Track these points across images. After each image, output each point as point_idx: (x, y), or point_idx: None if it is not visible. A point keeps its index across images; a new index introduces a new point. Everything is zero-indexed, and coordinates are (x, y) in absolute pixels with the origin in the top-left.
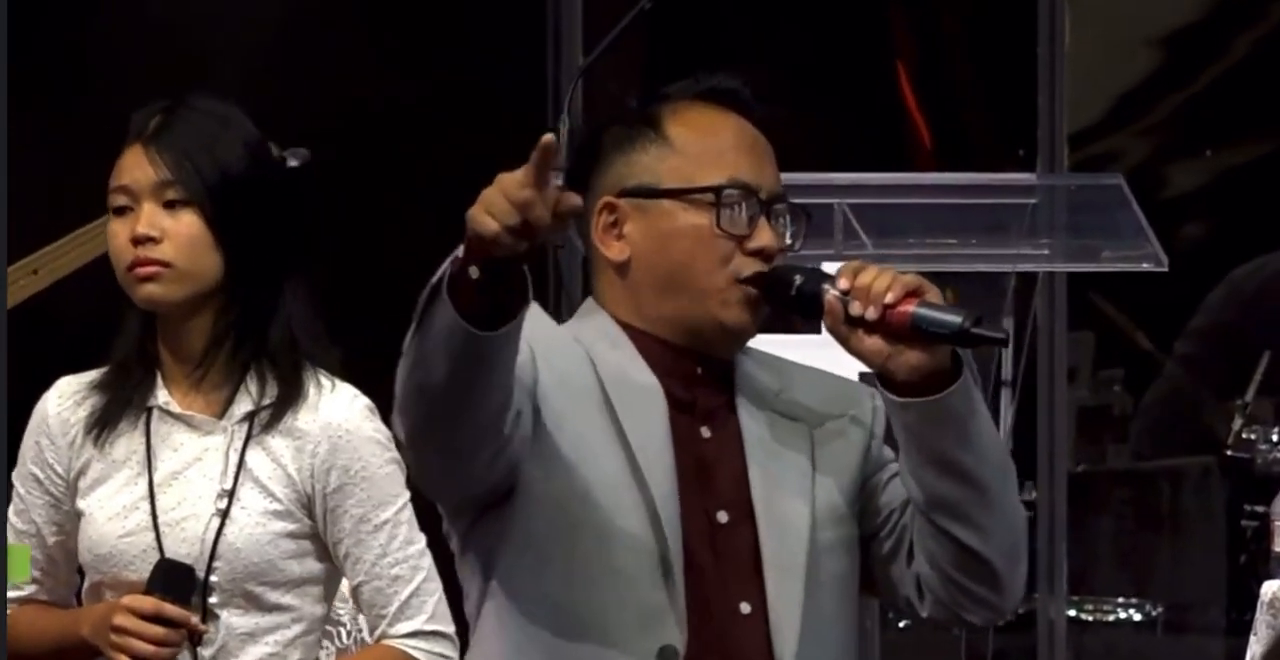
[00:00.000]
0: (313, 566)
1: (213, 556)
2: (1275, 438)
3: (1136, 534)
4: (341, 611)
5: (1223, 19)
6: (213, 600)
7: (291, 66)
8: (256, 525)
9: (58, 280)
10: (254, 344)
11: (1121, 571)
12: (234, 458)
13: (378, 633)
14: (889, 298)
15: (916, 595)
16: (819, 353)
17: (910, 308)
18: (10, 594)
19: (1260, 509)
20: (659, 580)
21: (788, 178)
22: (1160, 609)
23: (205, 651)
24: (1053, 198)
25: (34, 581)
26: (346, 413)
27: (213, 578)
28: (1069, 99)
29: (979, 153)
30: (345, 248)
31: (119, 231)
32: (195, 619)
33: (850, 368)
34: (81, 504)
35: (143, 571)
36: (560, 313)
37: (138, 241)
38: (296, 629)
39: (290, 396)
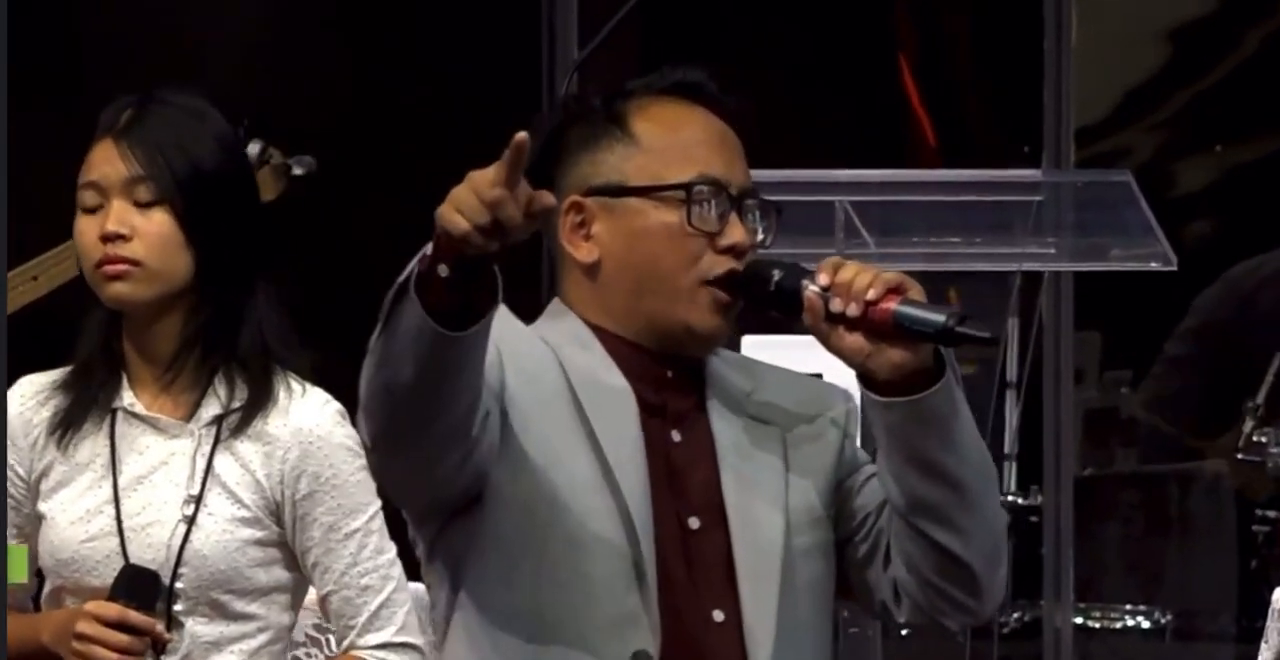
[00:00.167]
0: (280, 575)
1: (178, 563)
2: None
3: (1145, 539)
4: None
5: (1232, 12)
6: (177, 608)
7: (281, 64)
8: (224, 532)
9: (57, 287)
10: (224, 346)
11: (1129, 578)
12: (201, 462)
13: (346, 643)
14: (870, 294)
15: (893, 600)
16: (818, 353)
17: (892, 305)
18: None
19: (1271, 514)
20: (632, 586)
21: (789, 175)
22: (1169, 616)
23: None
24: (1059, 195)
25: None
26: (318, 418)
27: (178, 585)
28: (1075, 94)
29: (983, 149)
30: (336, 248)
31: (88, 228)
32: (160, 627)
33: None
34: (43, 507)
35: (106, 577)
36: None
37: (107, 239)
38: (262, 638)
39: (260, 400)
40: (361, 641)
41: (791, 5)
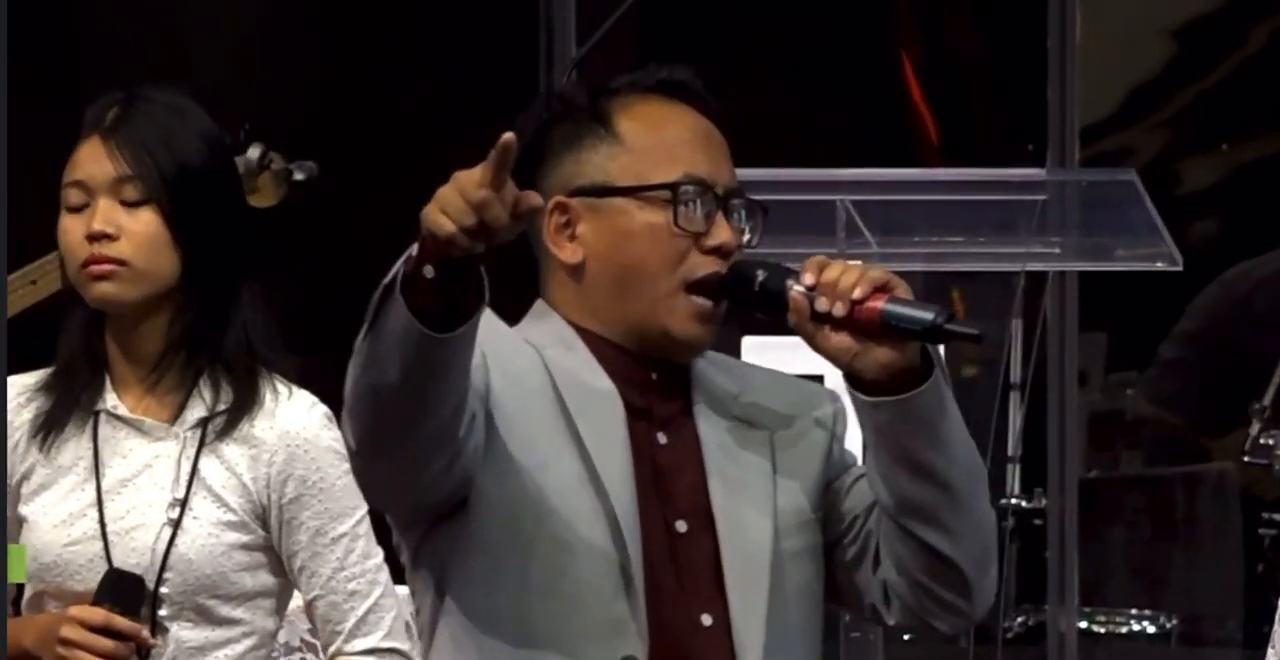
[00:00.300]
0: (266, 579)
1: (163, 567)
2: None
3: (1150, 543)
4: None
5: (1238, 10)
6: (162, 613)
7: (279, 64)
8: (209, 536)
9: (56, 291)
10: (209, 348)
11: (1135, 582)
12: (186, 466)
13: (332, 649)
14: (856, 293)
15: (883, 602)
16: (815, 354)
17: (879, 304)
18: None
19: (1278, 517)
20: (619, 590)
21: (790, 174)
22: (1175, 621)
23: None
24: (1063, 194)
25: None
26: (304, 421)
27: (163, 589)
28: (1080, 92)
29: (987, 148)
30: (335, 249)
31: (73, 227)
32: (145, 632)
33: None
34: (24, 510)
35: (89, 581)
36: None
37: (94, 238)
38: (247, 643)
39: (246, 403)
40: (348, 647)
41: (792, 3)
